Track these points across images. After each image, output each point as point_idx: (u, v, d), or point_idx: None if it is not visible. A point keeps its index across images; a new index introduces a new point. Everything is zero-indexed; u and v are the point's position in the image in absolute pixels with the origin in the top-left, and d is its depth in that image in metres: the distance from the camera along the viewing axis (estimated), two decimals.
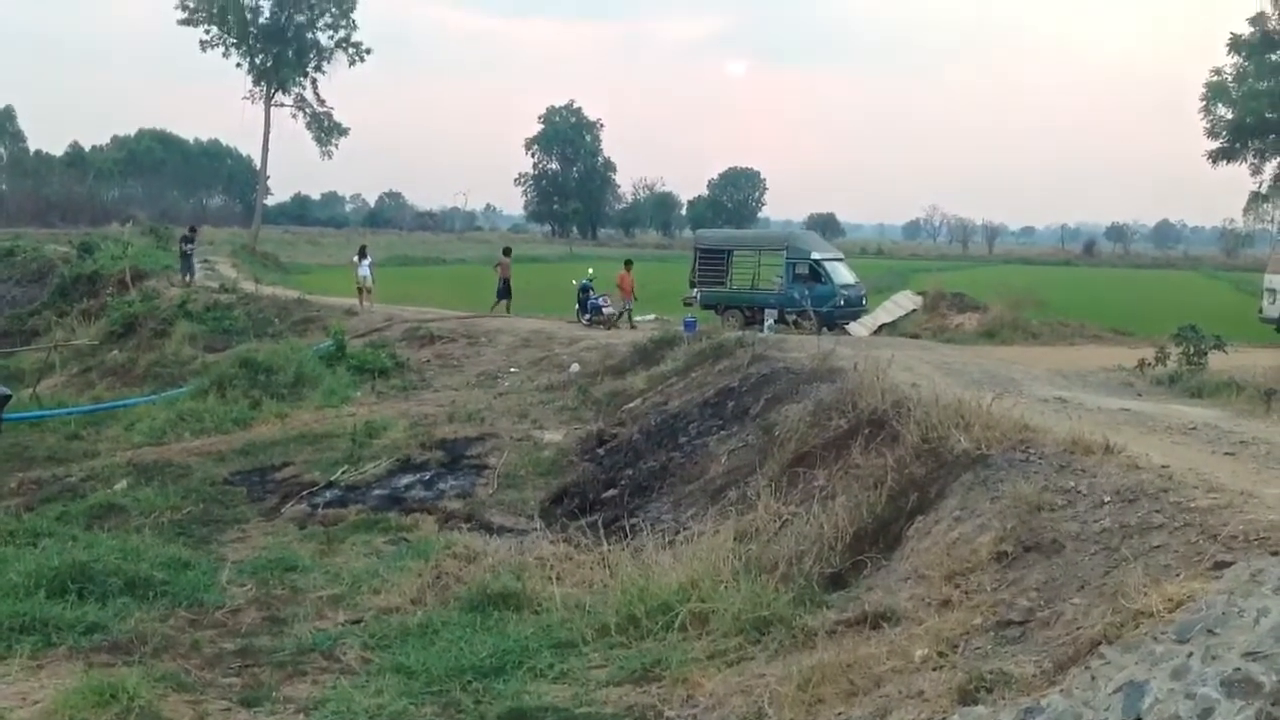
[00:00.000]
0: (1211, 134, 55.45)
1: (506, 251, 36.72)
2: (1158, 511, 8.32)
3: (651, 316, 34.25)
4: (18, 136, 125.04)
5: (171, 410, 24.97)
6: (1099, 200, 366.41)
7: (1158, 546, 7.80)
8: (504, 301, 35.45)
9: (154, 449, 21.49)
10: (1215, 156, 55.75)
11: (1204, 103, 55.16)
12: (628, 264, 34.52)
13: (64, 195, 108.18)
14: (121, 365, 32.91)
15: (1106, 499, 8.90)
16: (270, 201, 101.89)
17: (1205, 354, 21.11)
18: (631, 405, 20.71)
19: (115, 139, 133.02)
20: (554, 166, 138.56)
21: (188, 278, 41.56)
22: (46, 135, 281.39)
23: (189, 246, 42.59)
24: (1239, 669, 5.54)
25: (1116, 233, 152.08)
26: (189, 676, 9.74)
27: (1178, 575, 7.13)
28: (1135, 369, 20.88)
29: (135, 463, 19.75)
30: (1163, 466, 9.44)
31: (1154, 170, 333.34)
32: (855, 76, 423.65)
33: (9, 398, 25.77)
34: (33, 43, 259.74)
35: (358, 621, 11.53)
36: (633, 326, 31.52)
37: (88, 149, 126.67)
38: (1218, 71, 54.40)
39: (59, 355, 34.15)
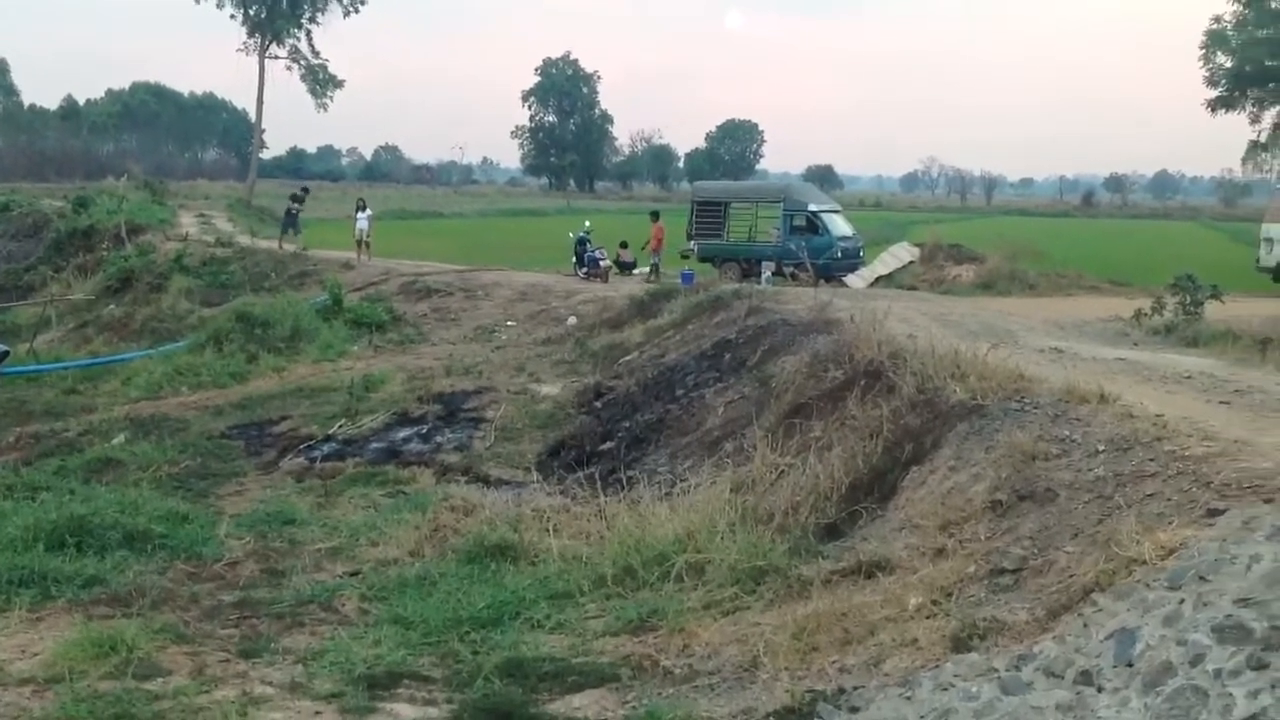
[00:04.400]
0: (1210, 82, 55.11)
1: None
2: (1151, 460, 8.35)
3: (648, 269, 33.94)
4: (10, 90, 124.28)
5: (168, 364, 25.00)
6: (1097, 151, 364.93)
7: (1151, 495, 7.83)
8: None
9: (151, 403, 21.52)
10: (1214, 105, 55.42)
11: (1203, 50, 54.77)
12: (655, 215, 33.88)
13: (58, 149, 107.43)
14: (118, 320, 32.86)
15: (1100, 448, 8.93)
16: (266, 155, 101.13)
17: (1202, 303, 21.14)
18: (628, 358, 20.72)
19: (109, 92, 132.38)
20: (551, 119, 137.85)
21: (292, 235, 39.56)
22: (40, 89, 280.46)
23: (296, 206, 41.13)
24: (1230, 615, 5.57)
25: (1115, 183, 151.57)
26: (188, 628, 9.78)
27: (1170, 523, 7.16)
28: (1132, 319, 20.92)
29: (132, 417, 19.79)
30: (1157, 415, 9.47)
31: (1153, 120, 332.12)
32: (852, 27, 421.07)
33: (7, 353, 25.84)
34: None
35: (356, 573, 11.58)
36: (658, 278, 30.63)
37: (82, 103, 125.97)
38: (1217, 19, 53.99)
39: (55, 310, 34.09)
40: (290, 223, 39.90)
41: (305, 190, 46.16)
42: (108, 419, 19.81)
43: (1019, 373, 11.55)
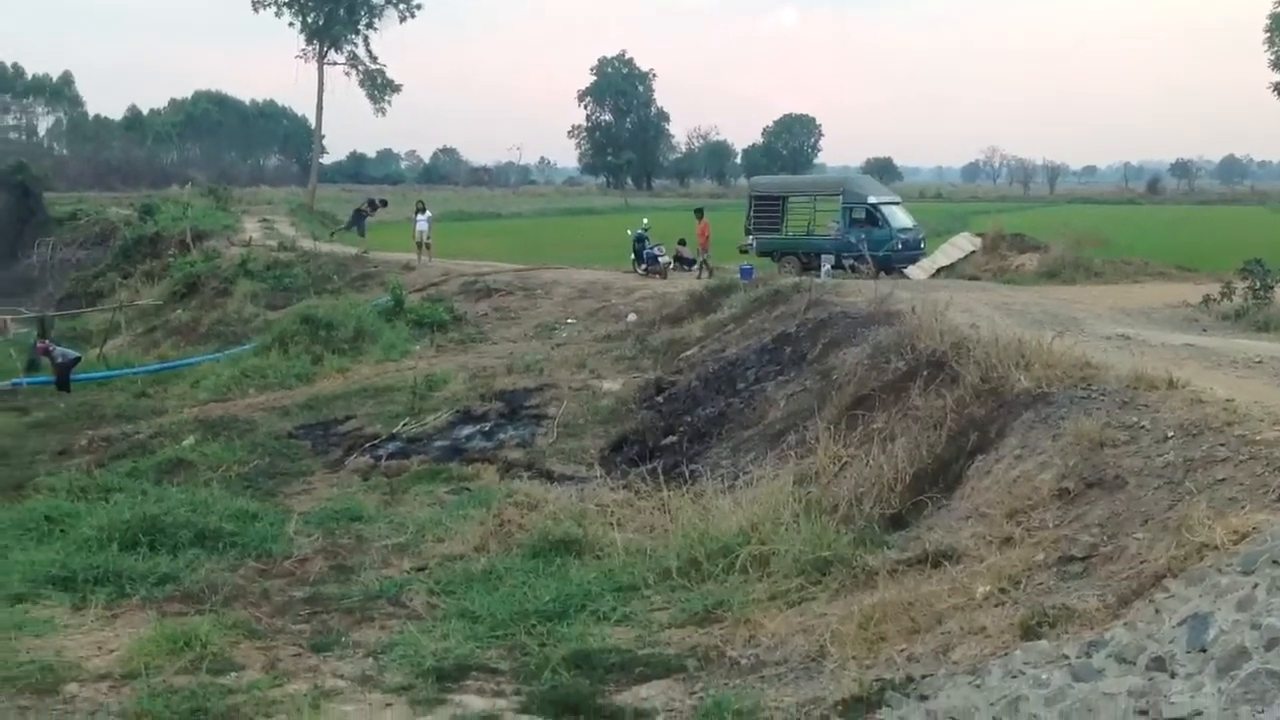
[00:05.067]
0: (1276, 65, 54.12)
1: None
2: (1222, 445, 8.24)
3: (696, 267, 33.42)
4: (76, 101, 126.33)
5: (235, 367, 25.35)
6: (1163, 137, 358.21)
7: (1222, 480, 7.74)
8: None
9: (219, 405, 21.83)
10: None
11: (1268, 34, 53.79)
12: (700, 213, 33.70)
13: (123, 159, 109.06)
14: (185, 324, 33.37)
15: (1170, 434, 8.83)
16: (326, 160, 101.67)
17: (1271, 288, 20.82)
18: (689, 353, 20.71)
19: (172, 102, 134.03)
20: (607, 118, 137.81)
21: (356, 235, 40.79)
22: (105, 100, 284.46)
23: (368, 209, 41.55)
24: None
25: (1181, 169, 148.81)
26: (259, 624, 9.96)
27: (1242, 507, 7.08)
28: (1200, 305, 20.65)
29: (202, 419, 20.08)
30: (1227, 400, 9.34)
31: (1219, 104, 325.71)
32: (910, 17, 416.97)
33: (78, 359, 26.34)
34: (88, 8, 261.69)
35: (423, 569, 11.71)
36: (710, 275, 30.38)
37: (146, 112, 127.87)
38: None
39: (124, 316, 34.71)
40: (357, 222, 40.13)
41: (384, 203, 46.23)
42: (177, 421, 20.13)
43: (1085, 360, 11.43)
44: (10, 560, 11.85)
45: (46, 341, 27.74)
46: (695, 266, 31.60)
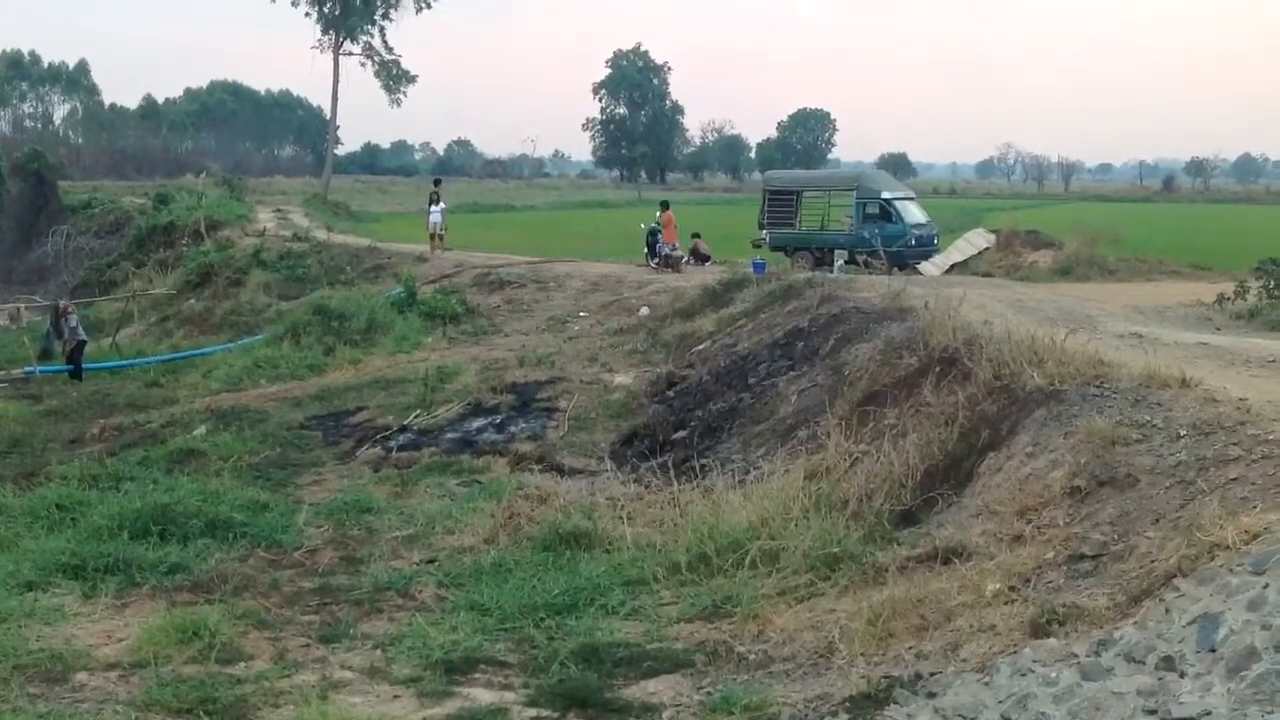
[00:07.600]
0: None
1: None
2: (1235, 444, 8.21)
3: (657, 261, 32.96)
4: (92, 90, 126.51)
5: (248, 357, 25.39)
6: (1178, 135, 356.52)
7: (1234, 479, 7.70)
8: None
9: (231, 395, 21.86)
10: None
11: None
12: (665, 205, 33.38)
13: (139, 148, 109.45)
14: (198, 314, 33.44)
15: (1182, 432, 8.80)
16: (341, 151, 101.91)
17: None
18: (701, 347, 20.69)
19: (187, 91, 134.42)
20: (622, 111, 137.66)
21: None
22: (120, 89, 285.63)
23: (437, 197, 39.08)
24: None
25: (1196, 168, 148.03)
26: (269, 614, 9.99)
27: (1255, 507, 7.04)
28: (1214, 304, 20.57)
29: (213, 409, 20.11)
30: (1240, 399, 9.31)
31: (1235, 103, 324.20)
32: (925, 12, 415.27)
33: (84, 344, 26.48)
34: None
35: (432, 561, 11.73)
36: (675, 269, 30.43)
37: (161, 101, 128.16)
38: None
39: (137, 305, 34.81)
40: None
41: (438, 181, 44.94)
42: (189, 411, 20.14)
43: (1098, 358, 11.39)
44: (21, 548, 11.90)
45: (66, 303, 27.91)
46: (661, 260, 31.03)
